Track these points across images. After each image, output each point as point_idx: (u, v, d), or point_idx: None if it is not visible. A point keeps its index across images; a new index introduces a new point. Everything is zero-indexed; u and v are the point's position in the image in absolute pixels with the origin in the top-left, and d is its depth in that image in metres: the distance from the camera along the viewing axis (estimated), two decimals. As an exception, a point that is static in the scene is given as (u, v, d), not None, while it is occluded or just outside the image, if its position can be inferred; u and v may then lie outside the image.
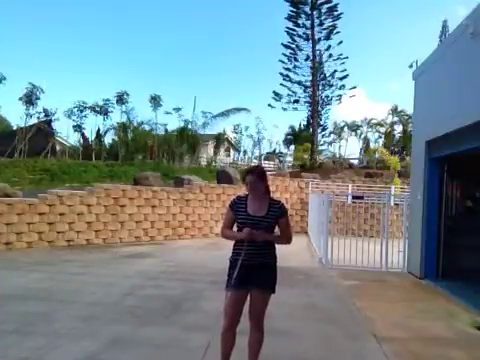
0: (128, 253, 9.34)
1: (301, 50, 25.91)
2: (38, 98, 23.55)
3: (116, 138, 26.76)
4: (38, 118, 24.85)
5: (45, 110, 24.85)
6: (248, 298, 2.97)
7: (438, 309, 5.44)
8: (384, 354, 3.79)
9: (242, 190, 15.72)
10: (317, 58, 25.85)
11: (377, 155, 26.46)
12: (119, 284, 6.21)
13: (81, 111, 26.76)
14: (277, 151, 42.11)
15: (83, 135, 30.41)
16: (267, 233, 2.92)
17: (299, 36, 25.62)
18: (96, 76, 66.24)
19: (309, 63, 25.87)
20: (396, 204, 13.88)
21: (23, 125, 23.92)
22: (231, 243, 3.06)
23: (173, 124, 65.26)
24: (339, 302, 5.70)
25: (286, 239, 3.05)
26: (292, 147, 39.31)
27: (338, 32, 25.33)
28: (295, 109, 27.03)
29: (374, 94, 73.23)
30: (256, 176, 2.98)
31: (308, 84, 26.17)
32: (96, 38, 65.01)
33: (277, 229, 3.06)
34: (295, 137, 39.06)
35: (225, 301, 2.94)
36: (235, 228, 3.03)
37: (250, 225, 2.85)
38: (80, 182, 14.86)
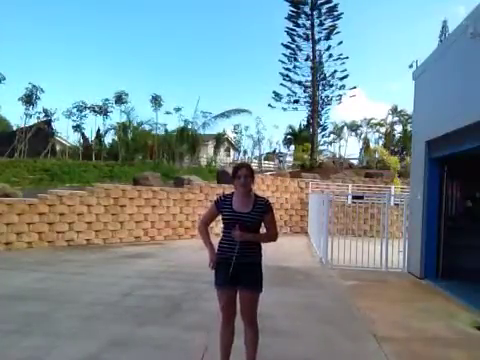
0: (128, 253, 9.34)
1: (301, 50, 25.87)
2: (38, 98, 23.55)
3: (116, 138, 26.73)
4: (38, 118, 24.85)
5: (45, 110, 24.84)
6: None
7: (438, 309, 5.44)
8: (384, 354, 3.78)
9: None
10: (317, 58, 25.82)
11: (377, 155, 26.45)
12: (119, 284, 6.21)
13: (80, 111, 26.77)
14: (277, 151, 42.07)
15: (83, 135, 30.41)
16: (252, 234, 2.94)
17: (299, 36, 25.59)
18: (96, 76, 66.11)
19: (309, 63, 25.84)
20: (396, 204, 13.88)
21: (23, 125, 23.93)
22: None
23: (173, 124, 65.29)
24: (339, 302, 5.70)
25: (272, 236, 3.08)
26: (292, 147, 39.25)
27: (338, 32, 25.30)
28: (295, 109, 27.00)
29: (374, 94, 72.96)
30: (248, 171, 3.02)
31: (308, 84, 26.14)
32: (96, 38, 64.87)
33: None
34: (295, 137, 38.98)
35: (218, 299, 3.03)
36: (220, 225, 3.09)
37: (236, 222, 2.90)
38: (80, 182, 14.87)
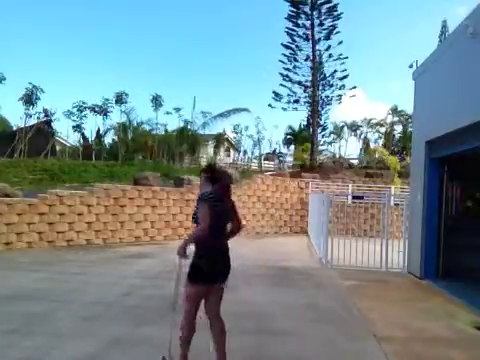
0: (128, 253, 9.34)
1: (301, 50, 25.81)
2: (38, 98, 23.47)
3: (116, 138, 26.72)
4: (38, 118, 24.76)
5: (45, 110, 24.76)
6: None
7: (438, 309, 5.44)
8: (384, 354, 3.78)
9: (242, 189, 15.57)
10: (317, 58, 25.76)
11: (377, 155, 26.43)
12: (119, 284, 6.22)
13: (81, 111, 26.73)
14: (277, 151, 42.04)
15: (83, 135, 30.37)
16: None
17: (299, 36, 25.53)
18: (96, 76, 66.02)
19: (309, 63, 25.78)
20: (396, 204, 13.87)
21: (23, 125, 23.87)
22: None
23: (173, 124, 65.21)
24: (339, 302, 5.69)
25: (194, 233, 3.20)
26: (292, 147, 39.26)
27: (338, 32, 25.23)
28: (295, 109, 26.92)
29: (374, 94, 72.83)
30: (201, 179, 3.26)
31: (308, 84, 26.08)
32: (96, 38, 64.77)
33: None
34: (295, 137, 38.99)
35: (192, 294, 3.26)
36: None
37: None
38: (80, 182, 14.83)
